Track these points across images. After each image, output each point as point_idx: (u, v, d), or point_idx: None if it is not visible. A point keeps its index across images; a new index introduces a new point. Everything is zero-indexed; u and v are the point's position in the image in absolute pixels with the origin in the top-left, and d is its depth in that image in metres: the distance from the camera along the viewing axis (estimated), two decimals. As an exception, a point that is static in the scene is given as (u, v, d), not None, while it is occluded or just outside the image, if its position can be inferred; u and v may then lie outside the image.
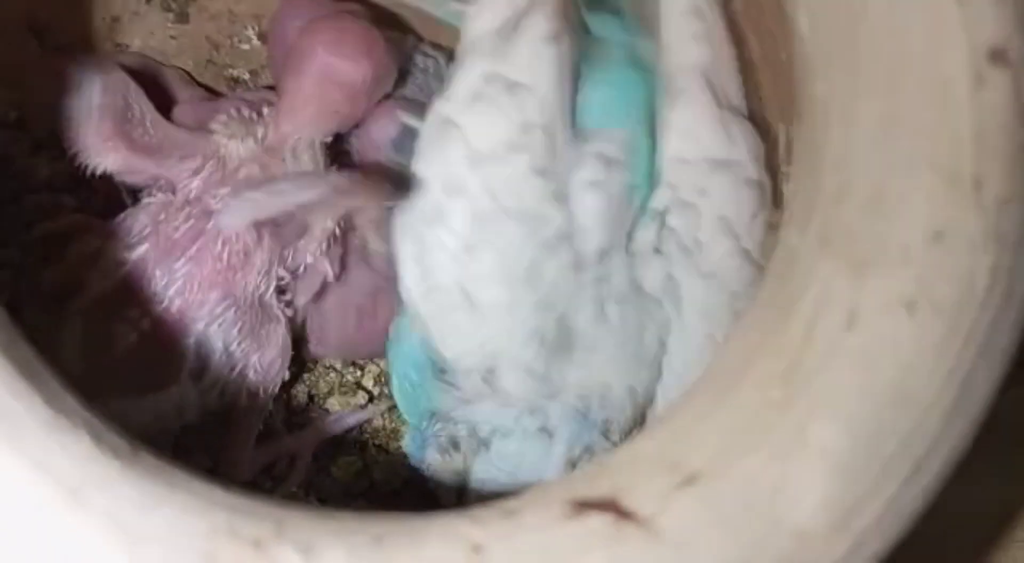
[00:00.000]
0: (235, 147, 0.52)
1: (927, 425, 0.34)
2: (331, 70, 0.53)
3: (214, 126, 0.53)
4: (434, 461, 0.52)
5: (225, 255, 0.51)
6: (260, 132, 0.53)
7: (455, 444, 0.51)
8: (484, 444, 0.51)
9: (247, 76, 0.64)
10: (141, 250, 0.51)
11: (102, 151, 0.51)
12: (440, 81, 0.56)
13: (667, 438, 0.36)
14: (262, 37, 0.64)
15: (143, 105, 0.52)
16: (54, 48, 0.59)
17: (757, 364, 0.36)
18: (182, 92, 0.59)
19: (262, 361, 0.52)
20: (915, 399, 0.34)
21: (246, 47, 0.65)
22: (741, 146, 0.54)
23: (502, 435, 0.51)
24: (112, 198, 0.58)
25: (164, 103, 0.56)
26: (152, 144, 0.52)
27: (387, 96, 0.56)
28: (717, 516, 0.33)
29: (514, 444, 0.51)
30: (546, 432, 0.50)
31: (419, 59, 0.59)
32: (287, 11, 0.57)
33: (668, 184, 0.53)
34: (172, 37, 0.63)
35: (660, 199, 0.53)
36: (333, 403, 0.58)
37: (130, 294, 0.50)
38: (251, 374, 0.52)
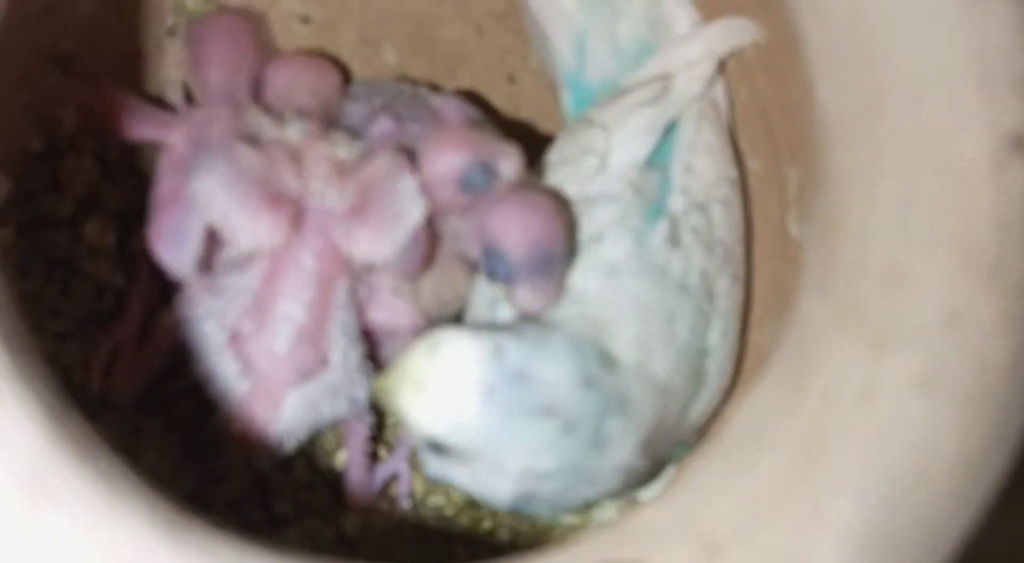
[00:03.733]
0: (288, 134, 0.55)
1: (940, 504, 0.36)
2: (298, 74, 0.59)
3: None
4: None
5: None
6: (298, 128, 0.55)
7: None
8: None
9: (268, 107, 0.65)
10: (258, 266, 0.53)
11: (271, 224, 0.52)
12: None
13: (691, 504, 0.37)
14: (283, 70, 0.65)
15: (254, 156, 0.53)
16: (78, 77, 0.60)
17: (775, 434, 0.37)
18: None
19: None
20: (928, 478, 0.36)
21: (267, 79, 0.65)
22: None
23: None
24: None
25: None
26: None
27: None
28: (738, 587, 0.35)
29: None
30: None
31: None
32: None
33: (680, 190, 0.55)
34: (194, 69, 0.64)
35: (675, 204, 0.55)
36: None
37: (266, 308, 0.53)
38: (365, 377, 0.54)
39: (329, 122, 0.57)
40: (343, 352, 0.53)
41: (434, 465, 0.50)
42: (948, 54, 0.39)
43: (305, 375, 0.53)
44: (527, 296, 0.51)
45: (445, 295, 0.56)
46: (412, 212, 0.52)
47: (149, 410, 0.58)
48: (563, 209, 0.53)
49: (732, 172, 0.58)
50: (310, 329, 0.53)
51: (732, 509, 0.36)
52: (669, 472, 0.57)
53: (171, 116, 0.60)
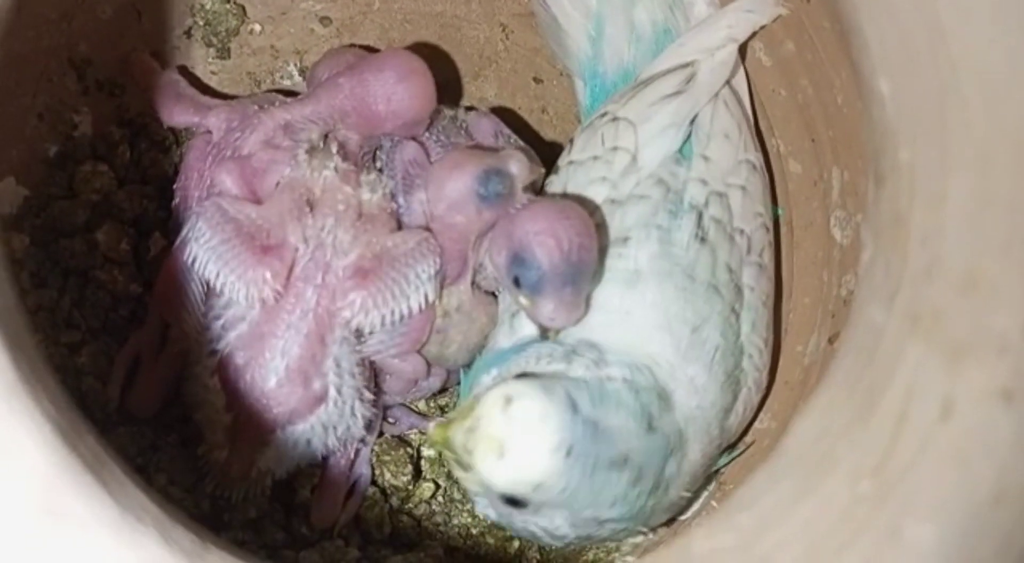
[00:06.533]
0: (318, 177, 0.53)
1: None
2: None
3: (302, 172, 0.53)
4: None
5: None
6: (334, 153, 0.53)
7: None
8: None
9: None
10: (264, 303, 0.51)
11: (257, 278, 0.51)
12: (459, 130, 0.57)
13: (752, 529, 0.34)
14: (303, 73, 0.63)
15: (246, 209, 0.52)
16: (96, 83, 0.58)
17: (845, 453, 0.35)
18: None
19: (371, 388, 0.54)
20: (1013, 497, 0.33)
21: (288, 83, 0.64)
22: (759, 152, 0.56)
23: None
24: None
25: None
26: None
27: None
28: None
29: None
30: None
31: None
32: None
33: (700, 180, 0.53)
34: (213, 72, 0.62)
35: (696, 194, 0.53)
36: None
37: (262, 338, 0.51)
38: (366, 405, 0.53)
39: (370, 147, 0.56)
40: (338, 389, 0.52)
41: (502, 513, 0.48)
42: (1025, 43, 0.36)
43: (295, 415, 0.52)
44: (552, 309, 0.49)
45: (472, 338, 0.54)
46: (415, 299, 0.51)
47: (166, 426, 0.55)
48: (592, 219, 0.51)
49: (751, 154, 0.55)
50: (304, 367, 0.51)
51: (799, 535, 0.34)
52: (705, 493, 0.55)
53: (213, 101, 0.58)
